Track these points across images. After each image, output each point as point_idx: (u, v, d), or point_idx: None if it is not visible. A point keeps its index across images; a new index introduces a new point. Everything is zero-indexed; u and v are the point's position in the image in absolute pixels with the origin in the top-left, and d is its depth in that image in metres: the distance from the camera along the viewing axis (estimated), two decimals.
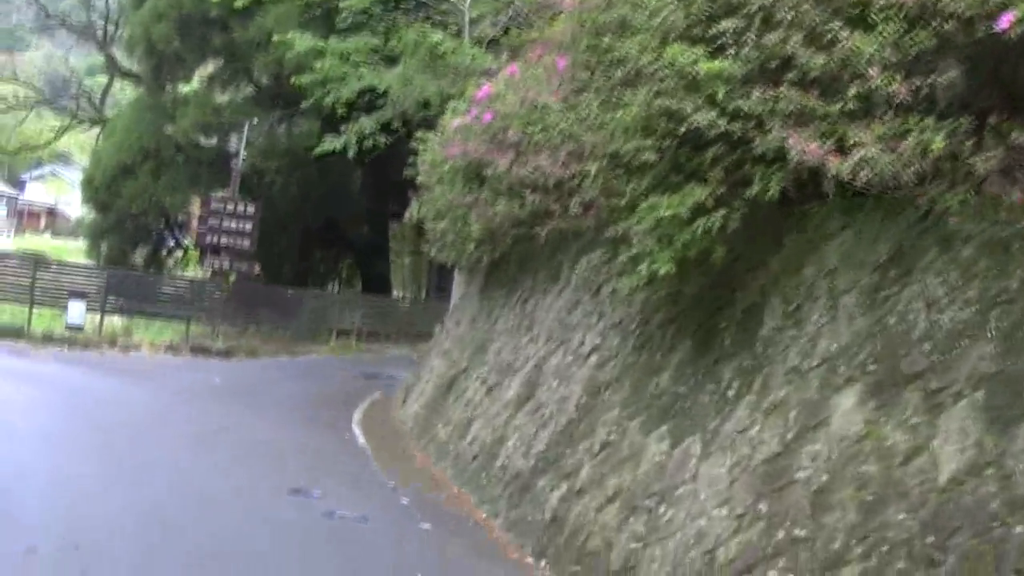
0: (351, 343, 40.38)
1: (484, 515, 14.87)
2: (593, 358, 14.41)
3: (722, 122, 10.24)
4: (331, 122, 33.71)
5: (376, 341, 42.49)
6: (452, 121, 20.19)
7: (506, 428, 16.24)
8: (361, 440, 21.09)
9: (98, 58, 67.96)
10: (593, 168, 12.66)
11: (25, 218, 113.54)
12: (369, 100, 29.34)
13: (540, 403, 15.50)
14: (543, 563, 12.50)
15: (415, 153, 22.67)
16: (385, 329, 44.44)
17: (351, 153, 29.63)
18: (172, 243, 55.72)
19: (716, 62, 10.38)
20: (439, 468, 18.01)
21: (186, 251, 49.69)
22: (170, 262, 55.67)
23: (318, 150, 30.83)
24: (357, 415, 24.10)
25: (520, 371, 17.07)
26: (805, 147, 9.24)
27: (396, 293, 59.91)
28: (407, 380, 27.22)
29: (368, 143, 28.77)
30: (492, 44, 27.21)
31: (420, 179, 22.65)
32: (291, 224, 46.62)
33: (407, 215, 24.48)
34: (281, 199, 45.85)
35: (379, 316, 45.86)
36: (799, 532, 8.65)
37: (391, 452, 19.92)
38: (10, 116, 68.65)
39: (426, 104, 27.26)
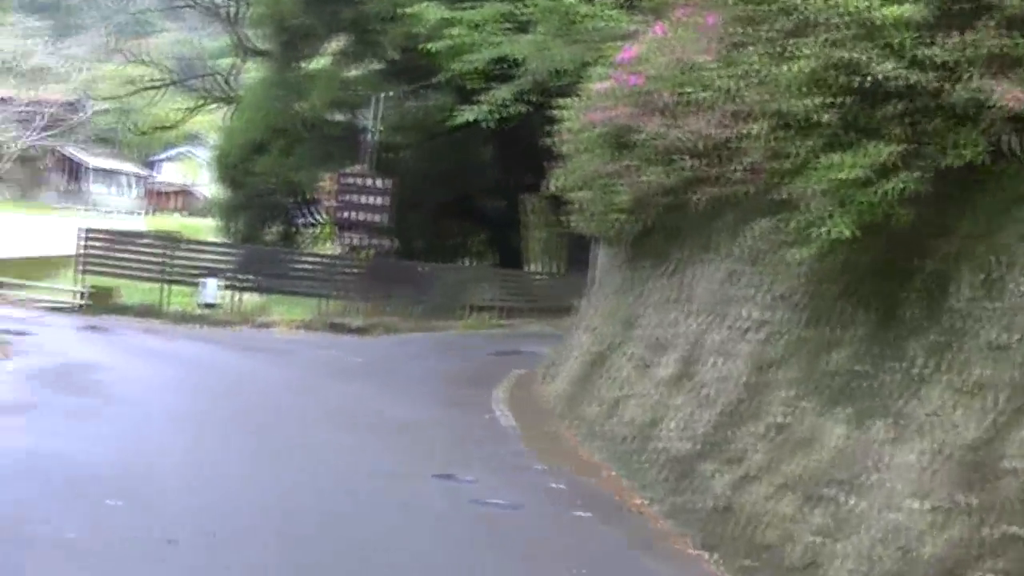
0: (487, 319, 39.57)
1: (642, 501, 13.98)
2: (757, 333, 13.45)
3: (907, 73, 9.31)
4: (463, 94, 32.97)
5: (512, 316, 41.64)
6: (595, 86, 19.25)
7: (662, 407, 15.35)
8: (505, 419, 20.30)
9: (226, 40, 67.96)
10: (757, 128, 11.76)
11: (158, 199, 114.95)
12: (503, 69, 28.45)
13: (699, 381, 14.57)
14: (711, 556, 11.62)
15: (551, 121, 21.79)
16: (521, 304, 43.54)
17: (488, 124, 28.80)
18: (304, 220, 55.34)
19: (897, 6, 9.45)
20: (589, 449, 17.14)
21: (320, 228, 49.14)
22: (302, 239, 55.37)
23: (453, 121, 30.01)
24: (499, 393, 23.32)
25: (675, 347, 16.14)
26: (1013, 95, 8.29)
27: (530, 267, 59.01)
28: (549, 356, 26.43)
29: (506, 112, 27.90)
30: (629, 7, 26.19)
31: (560, 148, 21.80)
32: (423, 199, 45.84)
33: (546, 186, 23.49)
34: (412, 174, 45.06)
35: (514, 291, 44.98)
36: (1014, 529, 7.71)
37: (537, 432, 19.12)
38: (141, 99, 69.20)
39: (559, 72, 26.33)
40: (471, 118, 28.38)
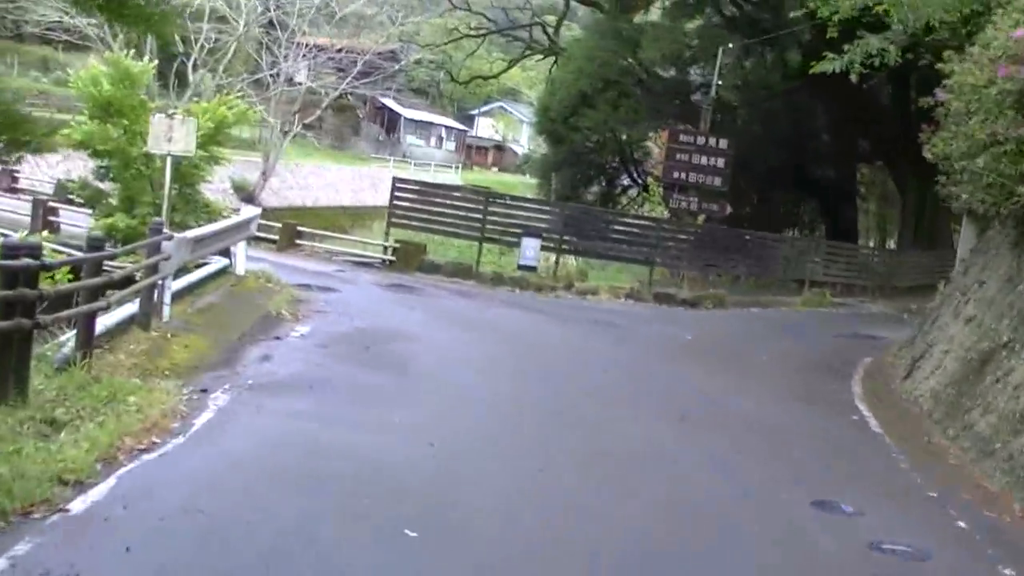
0: (824, 295, 36.48)
1: None
2: None
3: None
4: (809, 50, 30.19)
5: (849, 295, 38.52)
6: (1014, 33, 16.00)
7: None
8: (873, 423, 17.22)
9: None
10: None
11: (472, 153, 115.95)
12: (869, 17, 25.24)
13: None
14: None
15: (905, 81, 18.58)
16: (857, 281, 40.32)
17: (853, 76, 25.79)
18: (627, 180, 53.33)
19: None
20: (984, 471, 14.01)
21: (645, 189, 46.77)
22: (623, 200, 53.42)
23: (815, 68, 26.65)
24: (856, 387, 20.42)
25: None
26: None
27: (862, 241, 55.67)
28: (903, 344, 23.46)
29: (875, 62, 24.71)
30: None
31: (942, 110, 18.80)
32: (753, 164, 42.99)
33: (926, 150, 20.21)
34: (743, 136, 42.28)
35: (850, 266, 41.60)
36: None
37: (913, 443, 15.99)
38: (459, 50, 68.87)
39: (932, 26, 23.04)
40: (834, 68, 25.25)
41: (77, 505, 8.62)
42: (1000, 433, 14.51)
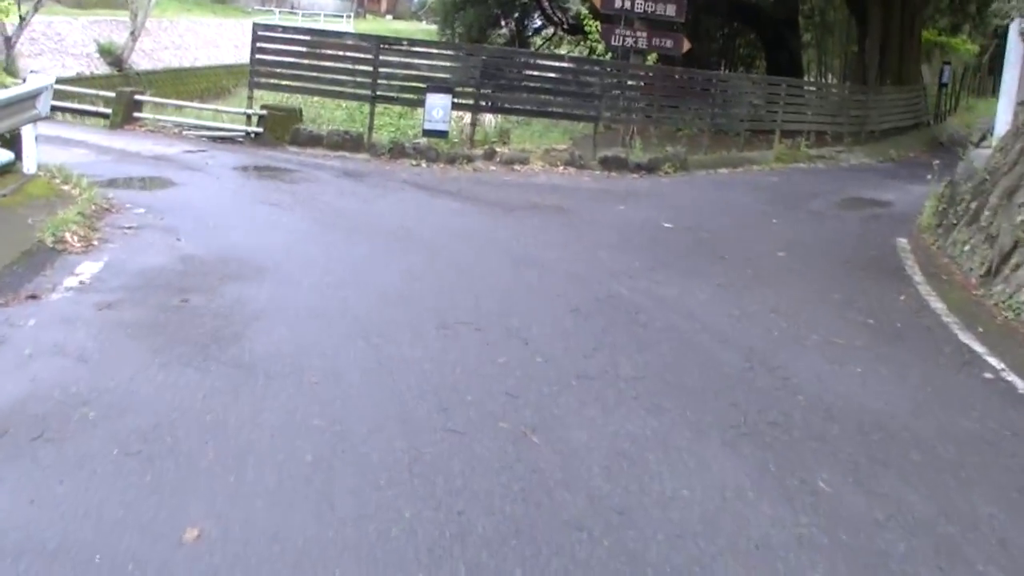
0: (799, 148, 30.03)
1: None
2: None
3: None
4: None
5: (821, 144, 32.08)
6: None
7: None
8: (999, 367, 10.67)
9: None
10: None
11: (366, 1, 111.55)
12: None
13: None
14: None
15: None
16: (830, 127, 33.66)
17: None
18: (539, 20, 47.00)
19: None
20: None
21: (567, 28, 40.13)
22: (537, 42, 47.23)
23: None
24: (931, 299, 13.76)
25: None
26: None
27: (808, 77, 49.77)
28: (935, 217, 17.86)
29: None
30: None
31: None
32: None
33: None
34: None
35: (820, 110, 34.61)
36: None
37: None
38: None
39: None
40: None
41: None
42: None
